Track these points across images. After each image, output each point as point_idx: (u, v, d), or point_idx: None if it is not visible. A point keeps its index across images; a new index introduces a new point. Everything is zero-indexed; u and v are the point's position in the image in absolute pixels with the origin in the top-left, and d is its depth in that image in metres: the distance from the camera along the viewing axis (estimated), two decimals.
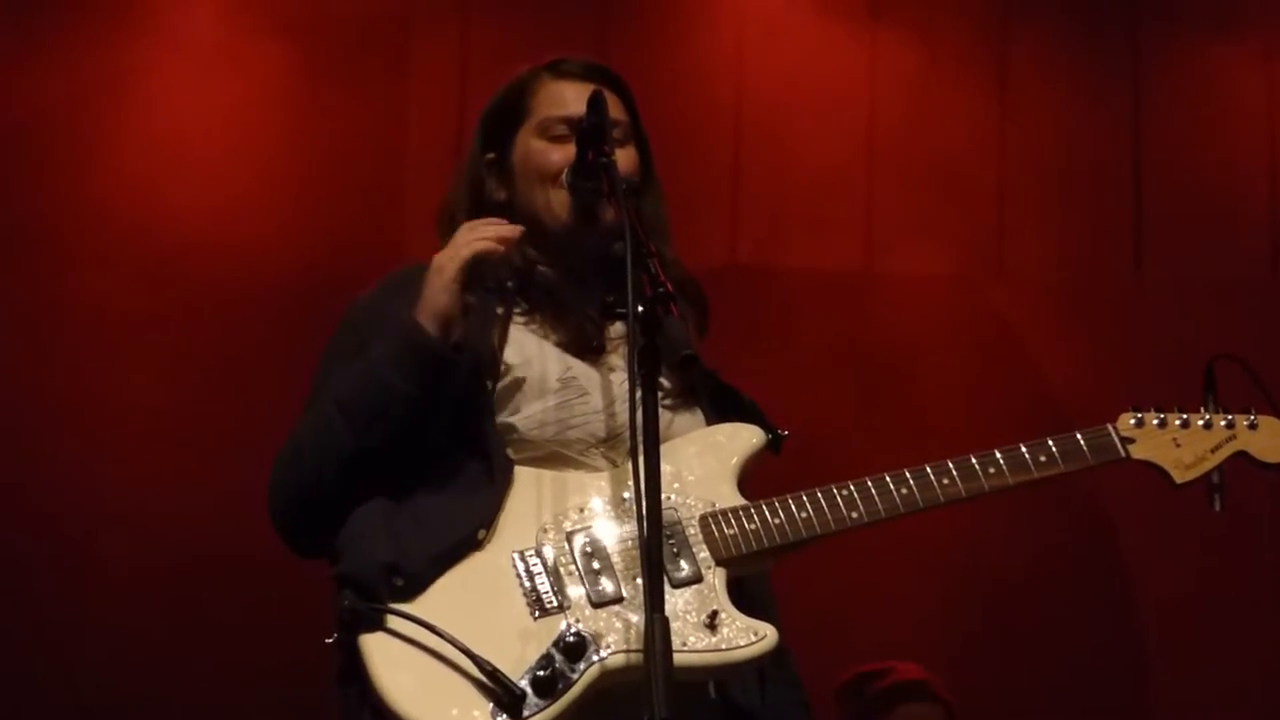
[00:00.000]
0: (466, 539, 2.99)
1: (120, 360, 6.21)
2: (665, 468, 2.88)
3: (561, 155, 3.22)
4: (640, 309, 2.87)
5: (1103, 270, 7.09)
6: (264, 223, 6.39)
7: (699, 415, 3.24)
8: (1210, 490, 3.27)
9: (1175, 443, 3.27)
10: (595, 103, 3.12)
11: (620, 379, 3.19)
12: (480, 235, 3.10)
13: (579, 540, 3.03)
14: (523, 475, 3.06)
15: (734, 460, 3.16)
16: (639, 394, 2.85)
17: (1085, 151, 7.12)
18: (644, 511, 2.78)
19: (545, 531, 3.03)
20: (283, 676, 5.25)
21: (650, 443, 2.82)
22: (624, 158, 3.18)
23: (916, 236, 7.01)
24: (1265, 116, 7.15)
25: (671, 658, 2.71)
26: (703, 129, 6.96)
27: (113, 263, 6.25)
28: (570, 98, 3.25)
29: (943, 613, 6.59)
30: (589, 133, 3.13)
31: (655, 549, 2.77)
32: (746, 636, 2.99)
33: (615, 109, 3.22)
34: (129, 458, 6.12)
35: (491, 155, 3.31)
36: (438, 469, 3.03)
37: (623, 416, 3.12)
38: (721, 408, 3.26)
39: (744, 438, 3.19)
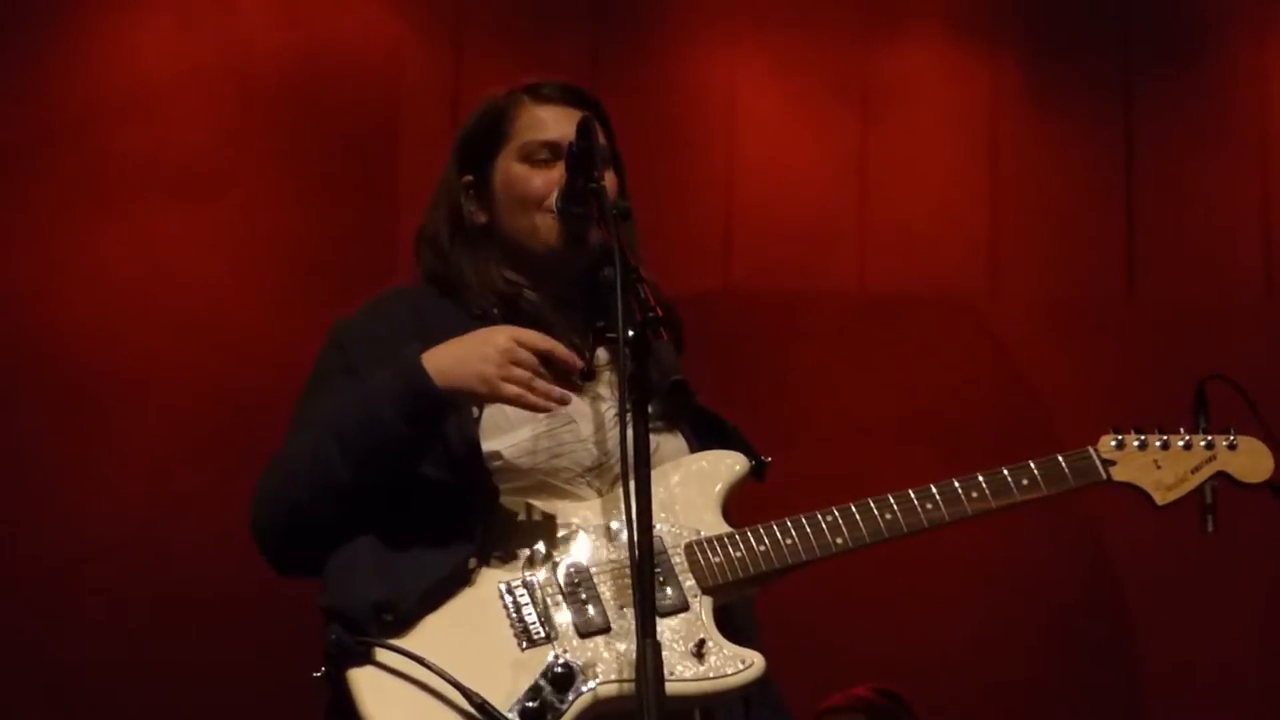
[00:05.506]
0: (456, 573, 2.97)
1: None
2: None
3: (543, 181, 3.21)
4: (630, 333, 2.86)
5: (1096, 291, 7.09)
6: (253, 249, 6.41)
7: (682, 440, 3.22)
8: (1203, 511, 3.25)
9: (1156, 464, 3.26)
10: (584, 128, 3.11)
11: (607, 406, 3.17)
12: (529, 394, 2.96)
13: (565, 570, 3.01)
14: (509, 505, 3.03)
15: (718, 488, 3.15)
16: (629, 420, 2.84)
17: (1078, 172, 7.13)
18: (635, 537, 2.77)
19: (532, 562, 3.02)
20: (267, 704, 5.25)
21: (642, 470, 2.81)
22: (610, 182, 3.17)
23: (909, 257, 7.02)
24: (1257, 137, 7.15)
25: (663, 683, 2.70)
26: (695, 151, 6.97)
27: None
28: (550, 122, 3.25)
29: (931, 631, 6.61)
30: (579, 158, 3.12)
31: (648, 574, 2.77)
32: (734, 664, 2.98)
33: (599, 133, 3.22)
34: (116, 491, 6.17)
35: (469, 178, 3.30)
36: (424, 498, 3.00)
37: (610, 444, 3.11)
38: (704, 433, 3.24)
39: (728, 465, 3.18)
